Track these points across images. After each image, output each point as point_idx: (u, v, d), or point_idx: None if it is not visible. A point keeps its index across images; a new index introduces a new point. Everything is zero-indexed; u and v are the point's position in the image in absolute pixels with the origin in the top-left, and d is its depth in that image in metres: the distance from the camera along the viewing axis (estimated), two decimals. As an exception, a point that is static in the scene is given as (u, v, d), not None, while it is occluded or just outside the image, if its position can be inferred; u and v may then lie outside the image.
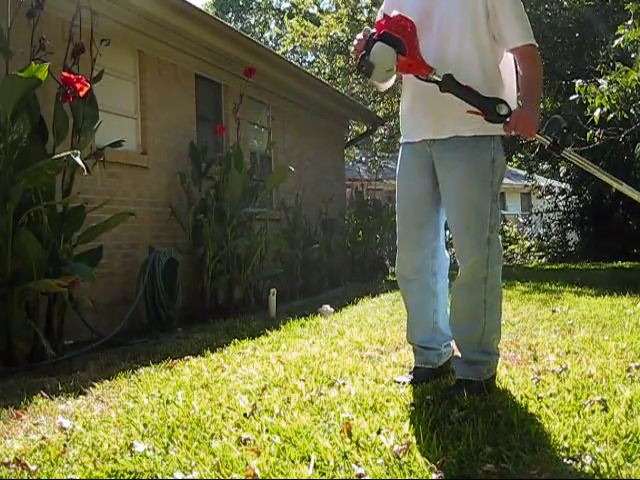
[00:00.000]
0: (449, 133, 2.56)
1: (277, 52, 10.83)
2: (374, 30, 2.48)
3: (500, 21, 2.52)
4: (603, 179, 2.57)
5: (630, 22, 6.32)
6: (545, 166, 18.47)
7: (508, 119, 2.42)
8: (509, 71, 2.62)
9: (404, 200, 2.73)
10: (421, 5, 2.58)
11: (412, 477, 1.75)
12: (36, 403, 2.67)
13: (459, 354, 2.70)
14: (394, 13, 2.49)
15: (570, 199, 15.75)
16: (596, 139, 7.30)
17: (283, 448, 1.95)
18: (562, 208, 15.99)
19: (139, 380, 3.02)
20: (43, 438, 2.16)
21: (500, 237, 2.63)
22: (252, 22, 29.16)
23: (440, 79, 2.45)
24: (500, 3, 2.51)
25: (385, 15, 2.49)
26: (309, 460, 1.85)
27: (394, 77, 2.75)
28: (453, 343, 2.81)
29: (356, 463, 1.83)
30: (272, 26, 28.44)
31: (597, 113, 6.29)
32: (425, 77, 2.49)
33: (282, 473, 1.79)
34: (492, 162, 2.55)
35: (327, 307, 5.48)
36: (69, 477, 1.83)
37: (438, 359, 2.79)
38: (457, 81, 2.43)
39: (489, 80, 2.54)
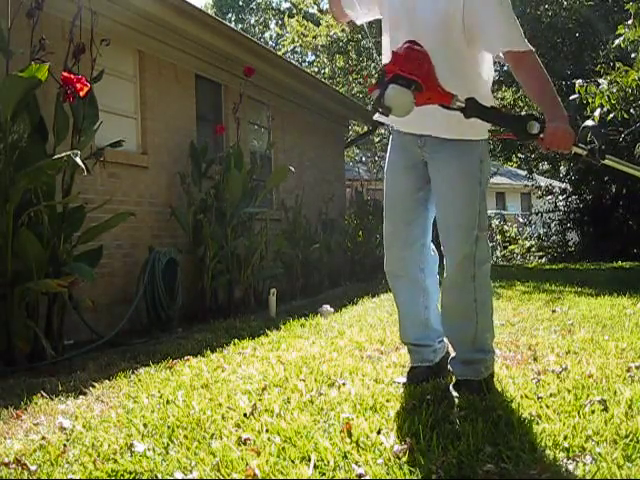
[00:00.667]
0: (443, 134, 2.52)
1: (277, 52, 10.82)
2: (387, 61, 2.29)
3: (478, 23, 2.36)
4: None
5: (630, 22, 6.33)
6: (545, 166, 18.49)
7: (542, 135, 2.27)
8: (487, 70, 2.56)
9: (392, 197, 2.73)
10: (404, 3, 2.49)
11: (412, 477, 1.75)
12: (36, 403, 2.66)
13: (454, 354, 2.70)
14: (399, 46, 2.31)
15: (570, 199, 15.76)
16: (596, 139, 7.28)
17: (283, 448, 1.95)
18: (562, 208, 15.99)
19: (139, 380, 3.02)
20: (43, 438, 2.16)
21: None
22: (252, 22, 29.17)
23: (464, 105, 2.30)
24: (480, 4, 2.36)
25: (393, 52, 2.32)
26: (309, 460, 1.85)
27: None
28: (447, 339, 2.81)
29: (356, 463, 1.83)
30: (272, 26, 28.42)
31: (597, 113, 6.29)
32: (447, 105, 2.32)
33: (282, 473, 1.79)
34: (480, 162, 2.56)
35: (327, 307, 5.48)
36: (69, 477, 1.83)
37: (434, 356, 2.79)
38: (481, 104, 2.30)
39: (468, 84, 2.46)
